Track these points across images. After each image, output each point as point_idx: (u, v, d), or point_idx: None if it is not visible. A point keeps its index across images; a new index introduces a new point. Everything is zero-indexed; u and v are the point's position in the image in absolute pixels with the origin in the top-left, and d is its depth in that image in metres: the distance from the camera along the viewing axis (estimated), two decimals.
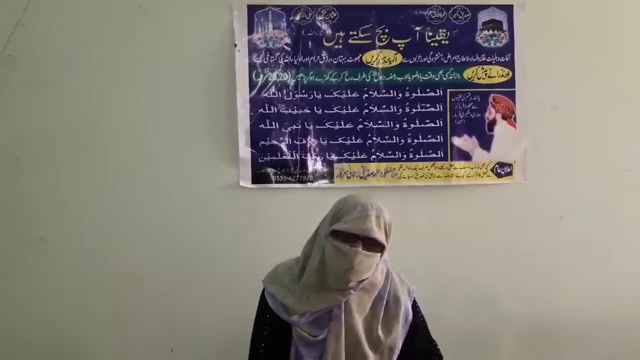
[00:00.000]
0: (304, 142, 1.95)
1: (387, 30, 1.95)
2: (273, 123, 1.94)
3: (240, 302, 1.87)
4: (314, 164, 1.95)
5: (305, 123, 1.95)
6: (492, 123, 1.97)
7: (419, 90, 1.96)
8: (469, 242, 1.97)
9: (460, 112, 1.97)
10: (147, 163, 1.94)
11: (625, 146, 2.00)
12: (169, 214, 1.94)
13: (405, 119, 1.96)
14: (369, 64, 1.95)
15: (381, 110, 1.96)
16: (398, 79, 1.96)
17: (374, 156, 1.96)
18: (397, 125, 1.96)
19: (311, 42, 1.95)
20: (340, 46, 1.95)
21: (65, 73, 1.92)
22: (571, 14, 1.99)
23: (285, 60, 1.94)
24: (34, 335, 1.94)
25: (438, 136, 1.97)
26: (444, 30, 1.96)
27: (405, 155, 1.96)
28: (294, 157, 1.95)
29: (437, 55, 1.96)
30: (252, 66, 1.94)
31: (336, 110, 1.95)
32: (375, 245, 1.25)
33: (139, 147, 1.94)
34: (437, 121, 1.97)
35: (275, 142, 1.94)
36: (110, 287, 1.94)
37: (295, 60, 1.95)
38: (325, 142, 1.95)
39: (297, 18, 1.94)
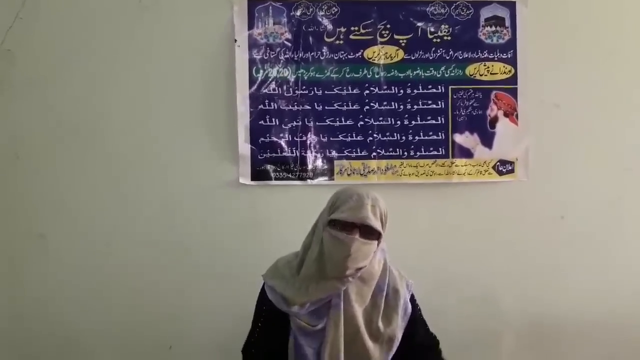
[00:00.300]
0: (304, 138, 1.94)
1: (388, 26, 1.94)
2: (273, 119, 1.93)
3: (240, 299, 1.87)
4: (314, 161, 1.94)
5: (306, 119, 1.94)
6: (494, 120, 1.96)
7: (420, 87, 1.95)
8: (469, 240, 1.96)
9: (462, 109, 1.95)
10: (147, 160, 1.93)
11: (628, 145, 1.99)
12: (169, 210, 1.93)
13: (406, 115, 1.95)
14: (370, 60, 1.94)
15: (382, 107, 1.94)
16: (399, 75, 1.94)
17: (374, 153, 1.95)
18: (398, 122, 1.95)
19: (312, 37, 1.93)
20: (341, 42, 1.94)
21: (65, 68, 1.91)
22: (574, 11, 1.97)
23: (285, 56, 1.93)
24: (33, 331, 1.94)
25: (439, 133, 1.95)
26: (446, 26, 1.94)
27: (406, 153, 1.95)
28: (294, 154, 1.94)
29: (439, 51, 1.95)
30: (252, 62, 1.92)
31: (337, 107, 1.94)
32: (371, 234, 1.28)
33: (139, 143, 1.93)
34: (439, 118, 1.95)
35: (275, 139, 1.93)
36: (109, 284, 1.93)
37: (295, 56, 1.93)
38: (326, 138, 1.94)
39: (298, 13, 1.93)
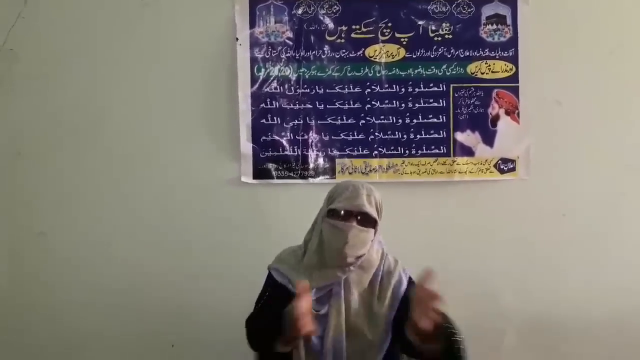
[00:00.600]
0: (306, 137, 1.94)
1: (390, 25, 1.94)
2: (275, 118, 1.93)
3: (242, 297, 1.87)
4: (316, 160, 1.94)
5: (307, 118, 1.94)
6: (496, 118, 1.96)
7: (421, 85, 1.95)
8: (471, 239, 1.96)
9: (464, 107, 1.95)
10: (148, 158, 1.93)
11: (629, 142, 1.99)
12: (170, 209, 1.94)
13: (407, 114, 1.95)
14: (372, 59, 1.94)
15: (384, 105, 1.94)
16: (401, 73, 1.94)
17: (376, 152, 1.95)
18: (400, 121, 1.95)
19: (313, 36, 1.93)
20: (343, 40, 1.94)
21: (67, 67, 1.92)
22: (575, 9, 1.97)
23: (287, 55, 1.93)
24: (34, 329, 1.94)
25: (441, 131, 1.95)
26: (448, 25, 1.94)
27: (407, 151, 1.95)
28: (296, 153, 1.94)
29: (440, 49, 1.95)
30: (253, 60, 1.92)
31: (338, 105, 1.94)
32: (368, 222, 1.35)
33: (140, 141, 1.93)
34: (440, 116, 1.95)
35: (276, 137, 1.93)
36: (110, 283, 1.94)
37: (297, 55, 1.93)
38: (327, 137, 1.94)
39: (300, 12, 1.93)
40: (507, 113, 1.96)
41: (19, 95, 1.91)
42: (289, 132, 1.94)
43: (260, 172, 1.94)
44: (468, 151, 1.96)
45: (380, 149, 1.95)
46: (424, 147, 1.95)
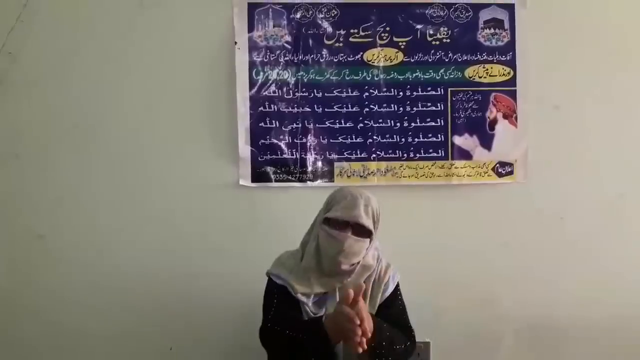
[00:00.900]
0: (304, 140, 1.94)
1: (388, 29, 1.94)
2: (273, 121, 1.94)
3: (240, 300, 1.89)
4: (314, 163, 1.95)
5: (306, 121, 1.94)
6: (493, 122, 1.97)
7: (419, 89, 1.95)
8: (469, 242, 1.96)
9: (461, 111, 1.96)
10: (147, 161, 1.93)
11: (627, 145, 1.99)
12: (169, 212, 1.94)
13: (406, 117, 1.95)
14: (370, 63, 1.95)
15: (382, 109, 1.95)
16: (399, 77, 1.95)
17: (374, 155, 1.95)
18: (398, 124, 1.95)
19: (312, 40, 1.94)
20: (341, 44, 1.94)
21: (65, 70, 1.92)
22: (572, 13, 1.98)
23: (285, 58, 1.94)
24: (33, 332, 1.94)
25: (439, 135, 1.96)
26: (445, 29, 1.95)
27: (405, 155, 1.95)
28: (294, 156, 1.94)
29: (438, 53, 1.95)
30: (252, 64, 1.93)
31: (336, 109, 1.95)
32: (364, 232, 1.38)
33: (139, 144, 1.93)
34: (438, 120, 1.96)
35: (275, 141, 1.94)
36: (109, 285, 1.94)
37: (295, 59, 1.94)
38: (326, 140, 1.95)
39: (298, 16, 1.93)
40: (505, 117, 1.97)
41: (17, 97, 1.92)
42: (287, 135, 1.94)
43: (258, 176, 1.94)
44: (466, 155, 1.97)
45: (378, 152, 1.95)
46: (422, 151, 1.96)
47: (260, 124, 1.93)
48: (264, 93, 1.93)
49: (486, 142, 1.97)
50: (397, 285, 1.51)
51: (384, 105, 1.95)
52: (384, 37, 1.95)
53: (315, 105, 1.94)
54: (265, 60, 1.93)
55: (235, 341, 1.90)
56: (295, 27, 1.93)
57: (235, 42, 1.92)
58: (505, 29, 1.96)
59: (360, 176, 1.95)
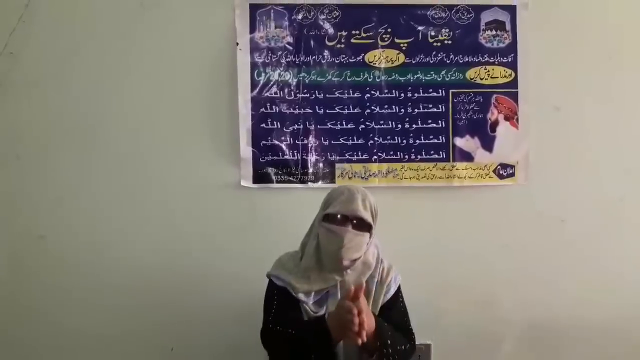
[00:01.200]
0: (306, 141, 1.94)
1: (389, 30, 1.94)
2: (274, 122, 1.94)
3: (241, 301, 1.89)
4: (315, 164, 1.95)
5: (307, 123, 1.94)
6: (495, 124, 1.97)
7: (421, 91, 1.95)
8: (470, 244, 1.96)
9: (463, 112, 1.96)
10: (148, 161, 1.94)
11: (628, 147, 1.99)
12: (170, 213, 1.94)
13: (407, 119, 1.96)
14: (371, 64, 1.95)
15: (383, 111, 1.95)
16: (400, 79, 1.95)
17: (375, 156, 1.95)
18: (399, 126, 1.95)
19: (313, 41, 1.94)
20: (343, 45, 1.94)
21: (67, 71, 1.92)
22: (574, 15, 1.98)
23: (287, 60, 1.94)
24: (33, 333, 1.94)
25: (440, 137, 1.96)
26: (447, 30, 1.95)
27: (407, 156, 1.96)
28: (295, 157, 1.94)
29: (439, 55, 1.95)
30: (254, 65, 1.93)
31: (338, 110, 1.95)
32: (363, 226, 1.40)
33: (140, 145, 1.93)
34: (439, 122, 1.96)
35: (276, 142, 1.94)
36: (109, 286, 1.94)
37: (297, 60, 1.94)
38: (327, 142, 1.95)
39: (300, 17, 1.93)
40: (506, 118, 1.97)
41: (18, 98, 1.92)
42: (288, 136, 1.94)
43: (260, 177, 1.94)
44: (467, 156, 1.97)
45: (379, 153, 1.96)
46: (423, 152, 1.96)
47: (261, 125, 1.94)
48: (266, 94, 1.94)
49: (487, 143, 1.97)
50: (399, 288, 1.51)
51: (385, 106, 1.95)
52: (386, 39, 1.95)
53: (317, 107, 1.95)
54: (267, 61, 1.93)
55: (236, 342, 1.90)
56: (297, 28, 1.94)
57: (237, 43, 1.92)
58: (507, 31, 1.96)
59: (362, 177, 1.95)
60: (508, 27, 1.96)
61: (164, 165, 1.93)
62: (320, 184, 1.95)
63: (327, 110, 1.94)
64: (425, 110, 1.95)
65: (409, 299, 1.53)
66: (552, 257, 1.98)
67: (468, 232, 1.96)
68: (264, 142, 1.93)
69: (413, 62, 1.95)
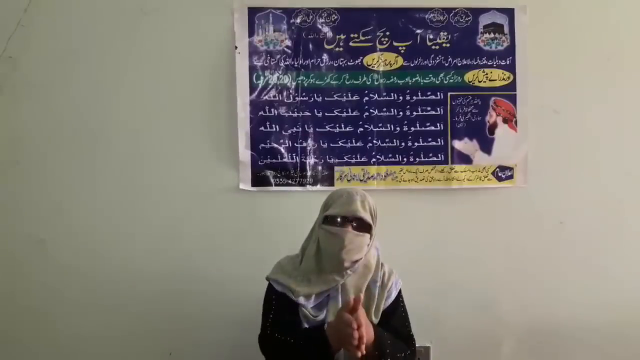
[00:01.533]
0: (304, 144, 1.95)
1: (388, 33, 1.95)
2: (273, 126, 1.94)
3: (240, 305, 1.89)
4: (314, 167, 1.95)
5: (306, 126, 1.95)
6: (493, 126, 1.97)
7: (419, 93, 1.96)
8: (469, 246, 1.97)
9: (461, 115, 1.96)
10: (147, 165, 1.94)
11: (627, 150, 2.00)
12: (169, 216, 1.94)
13: (405, 122, 1.96)
14: (370, 67, 1.95)
15: (382, 113, 1.95)
16: (399, 82, 1.95)
17: (374, 159, 1.95)
18: (398, 128, 1.96)
19: (312, 44, 1.94)
20: (341, 49, 1.95)
21: (66, 75, 1.92)
22: (572, 18, 1.98)
23: (285, 63, 1.94)
24: (33, 336, 1.94)
25: (439, 139, 1.96)
26: (445, 33, 1.96)
27: (405, 159, 1.96)
28: (294, 160, 1.94)
29: (438, 58, 1.96)
30: (252, 69, 1.93)
31: (336, 113, 1.95)
32: (363, 227, 1.40)
33: (139, 149, 1.93)
34: (438, 124, 1.96)
35: (275, 145, 1.94)
36: (109, 290, 1.94)
37: (295, 63, 1.94)
38: (326, 145, 1.95)
39: (298, 20, 1.94)
40: (505, 121, 1.97)
41: (17, 103, 1.92)
42: (287, 139, 1.95)
43: (258, 180, 1.94)
44: (466, 159, 1.97)
45: (378, 156, 1.96)
46: (422, 155, 1.96)
47: (260, 128, 1.94)
48: (264, 97, 1.94)
49: (486, 146, 1.97)
50: (400, 292, 1.51)
51: (384, 109, 1.95)
52: (384, 42, 1.95)
53: (316, 110, 1.95)
54: (266, 64, 1.94)
55: (235, 346, 1.90)
56: (296, 32, 1.94)
57: (236, 47, 1.92)
58: (505, 34, 1.96)
59: (360, 180, 1.96)
60: (506, 30, 1.96)
61: (163, 168, 1.94)
62: (319, 186, 1.95)
63: (325, 113, 1.95)
64: (424, 113, 1.96)
65: (407, 302, 1.53)
66: (551, 259, 1.98)
67: (467, 234, 1.97)
68: (263, 145, 1.94)
69: (411, 65, 1.95)
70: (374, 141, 1.95)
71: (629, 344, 1.99)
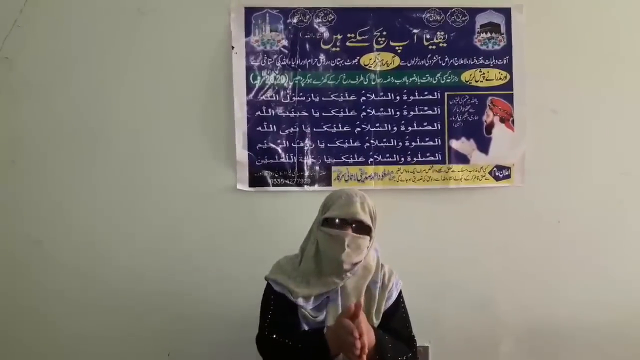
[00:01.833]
0: (302, 145, 1.94)
1: (384, 33, 1.95)
2: (270, 126, 1.94)
3: (238, 305, 1.88)
4: (312, 167, 1.95)
5: (303, 126, 1.94)
6: (490, 126, 1.97)
7: (416, 93, 1.96)
8: (466, 246, 1.96)
9: (458, 114, 1.96)
10: (145, 166, 1.93)
11: (625, 150, 2.00)
12: (166, 217, 1.94)
13: (403, 121, 1.96)
14: (367, 67, 1.95)
15: (379, 113, 1.95)
16: (396, 81, 1.95)
17: (371, 159, 1.95)
18: (395, 128, 1.96)
19: (309, 44, 1.94)
20: (338, 49, 1.95)
21: (63, 76, 1.92)
22: (569, 17, 1.99)
23: (282, 63, 1.94)
24: (31, 337, 1.93)
25: (436, 139, 1.96)
26: (442, 33, 1.96)
27: (403, 158, 1.96)
28: (291, 160, 1.94)
29: (434, 57, 1.96)
30: (249, 69, 1.93)
31: (334, 113, 1.95)
32: (363, 229, 1.38)
33: (136, 149, 1.93)
34: (435, 124, 1.96)
35: (272, 145, 1.94)
36: (107, 291, 1.93)
37: (292, 63, 1.94)
38: (323, 145, 1.95)
39: (295, 20, 1.94)
40: (502, 120, 1.97)
41: (14, 103, 1.92)
42: (284, 139, 1.94)
43: (256, 180, 1.94)
44: (463, 158, 1.97)
45: (375, 156, 1.96)
46: (419, 155, 1.96)
47: (257, 129, 1.94)
48: (261, 97, 1.94)
49: (483, 145, 1.97)
50: (400, 293, 1.50)
51: (381, 109, 1.95)
52: (381, 42, 1.95)
53: (313, 110, 1.95)
54: (263, 64, 1.94)
55: (233, 346, 1.89)
56: (292, 32, 1.94)
57: (233, 47, 1.92)
58: (502, 33, 1.96)
59: (358, 180, 1.95)
60: (503, 29, 1.96)
61: (161, 169, 1.93)
62: (316, 187, 1.94)
63: (322, 113, 1.95)
64: (421, 112, 1.96)
65: (406, 301, 1.53)
66: (549, 259, 1.98)
67: (464, 234, 1.96)
68: (260, 145, 1.93)
69: (408, 64, 1.96)
70: (371, 141, 1.95)
71: (627, 344, 1.99)
